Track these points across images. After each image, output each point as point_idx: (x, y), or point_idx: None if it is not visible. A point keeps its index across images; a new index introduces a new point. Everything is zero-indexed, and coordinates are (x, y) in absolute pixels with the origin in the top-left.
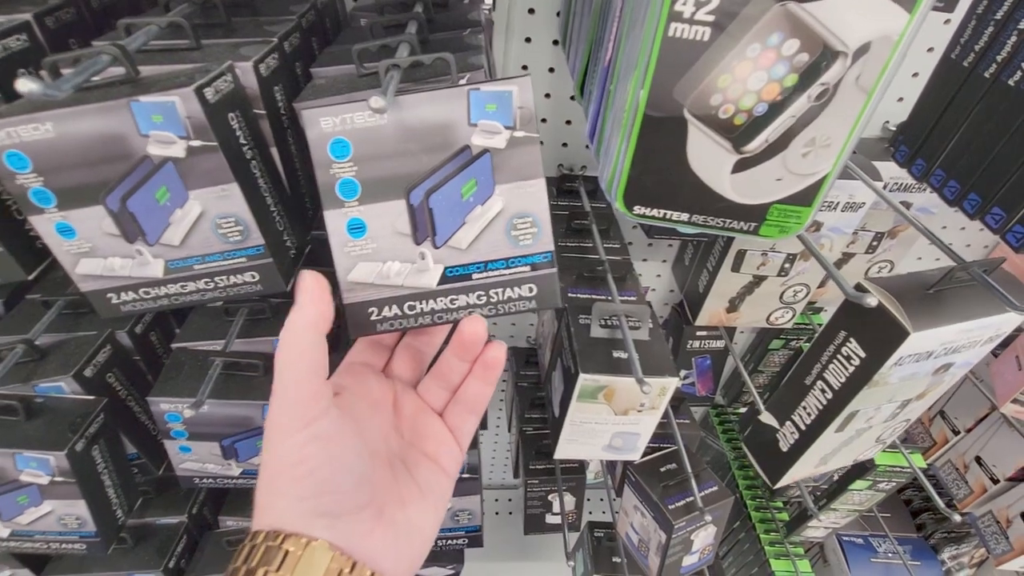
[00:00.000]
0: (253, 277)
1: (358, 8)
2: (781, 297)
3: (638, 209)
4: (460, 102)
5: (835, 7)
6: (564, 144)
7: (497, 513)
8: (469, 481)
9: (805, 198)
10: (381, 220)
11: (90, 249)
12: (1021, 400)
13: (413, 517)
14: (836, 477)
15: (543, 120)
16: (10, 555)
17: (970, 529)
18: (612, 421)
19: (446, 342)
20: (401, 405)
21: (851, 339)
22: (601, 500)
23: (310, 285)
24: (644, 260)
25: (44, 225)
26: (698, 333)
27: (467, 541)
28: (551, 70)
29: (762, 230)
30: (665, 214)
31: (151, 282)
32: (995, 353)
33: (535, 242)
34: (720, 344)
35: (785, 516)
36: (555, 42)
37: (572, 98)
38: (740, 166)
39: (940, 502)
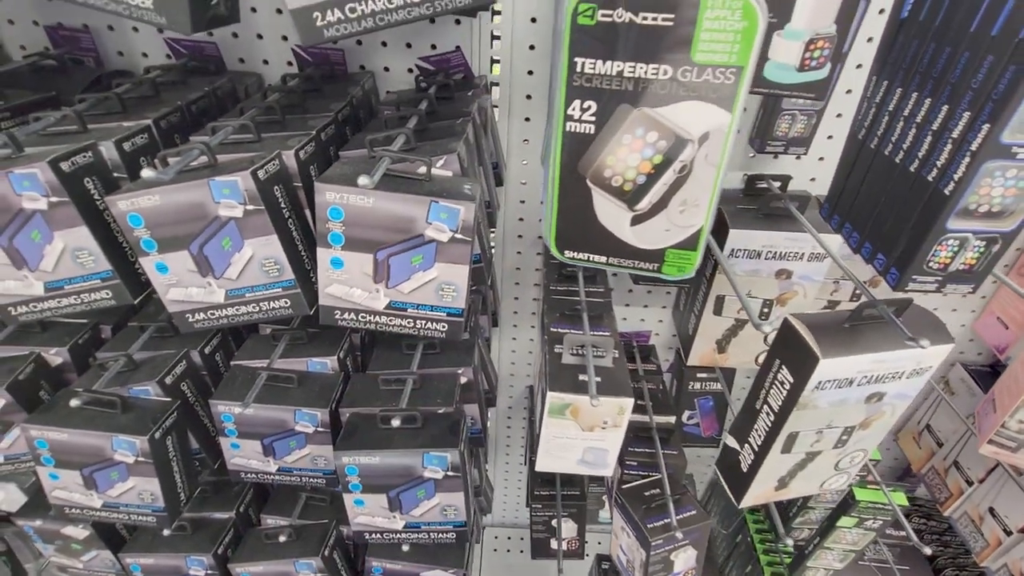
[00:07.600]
0: (286, 303)
1: (385, 102)
2: (766, 340)
3: (568, 253)
4: (423, 207)
5: (678, 110)
6: None
7: (521, 552)
8: (453, 479)
9: (690, 244)
10: (354, 263)
11: (177, 281)
12: (996, 441)
13: None
14: (825, 515)
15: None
16: (93, 535)
17: None
18: (581, 437)
19: None
20: None
21: (783, 366)
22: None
23: None
24: (645, 307)
25: (148, 264)
26: (698, 375)
27: (455, 536)
28: None
29: (664, 269)
30: (588, 257)
31: (215, 306)
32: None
33: (453, 300)
34: (720, 386)
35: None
36: None
37: None
38: (636, 220)
39: (914, 536)
